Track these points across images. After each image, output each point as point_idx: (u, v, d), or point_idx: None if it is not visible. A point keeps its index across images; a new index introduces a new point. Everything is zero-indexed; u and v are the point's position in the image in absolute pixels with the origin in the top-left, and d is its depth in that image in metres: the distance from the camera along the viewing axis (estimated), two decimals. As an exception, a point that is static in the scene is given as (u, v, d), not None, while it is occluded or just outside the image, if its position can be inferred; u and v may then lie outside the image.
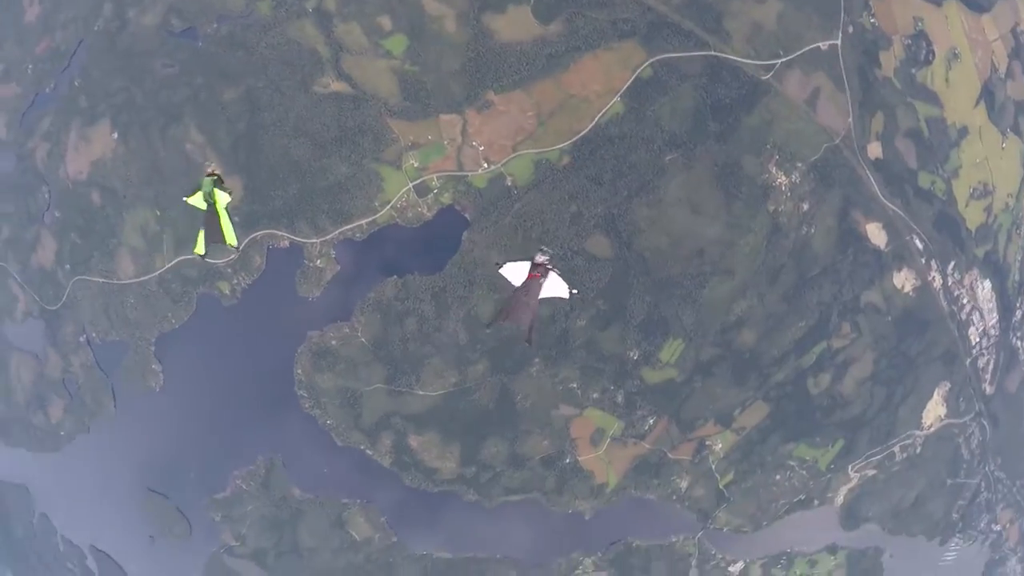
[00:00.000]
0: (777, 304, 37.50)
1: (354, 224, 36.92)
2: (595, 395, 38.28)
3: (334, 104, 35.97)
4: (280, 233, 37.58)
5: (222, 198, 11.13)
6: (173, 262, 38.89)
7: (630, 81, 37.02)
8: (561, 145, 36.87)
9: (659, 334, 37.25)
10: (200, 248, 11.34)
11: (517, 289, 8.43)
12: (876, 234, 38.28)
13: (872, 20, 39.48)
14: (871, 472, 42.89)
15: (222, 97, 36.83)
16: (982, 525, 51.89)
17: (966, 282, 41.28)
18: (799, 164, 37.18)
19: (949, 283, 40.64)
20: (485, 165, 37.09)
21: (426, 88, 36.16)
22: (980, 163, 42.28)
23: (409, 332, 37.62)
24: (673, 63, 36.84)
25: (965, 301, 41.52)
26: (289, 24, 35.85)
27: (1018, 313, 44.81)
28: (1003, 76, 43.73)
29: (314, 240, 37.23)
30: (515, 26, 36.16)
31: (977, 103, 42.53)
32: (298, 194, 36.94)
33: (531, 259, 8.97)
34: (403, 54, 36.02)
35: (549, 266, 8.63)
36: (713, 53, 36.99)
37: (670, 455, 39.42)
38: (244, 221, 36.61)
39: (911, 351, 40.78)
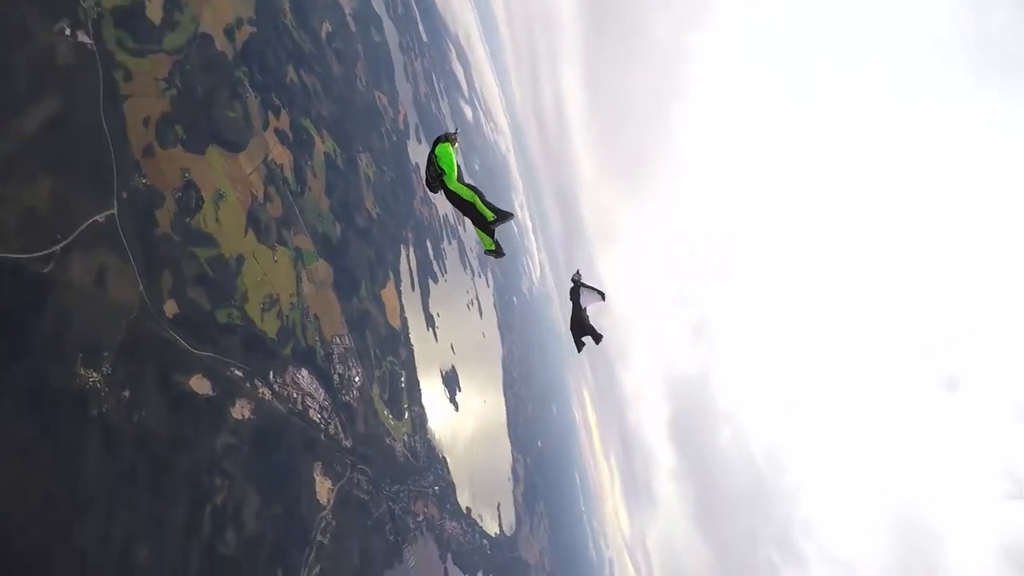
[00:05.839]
0: (148, 503, 32.39)
1: None
2: None
3: None
4: None
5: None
6: None
7: None
8: None
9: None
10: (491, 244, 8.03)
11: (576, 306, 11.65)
12: (200, 385, 39.29)
13: (144, 181, 38.39)
14: (316, 569, 46.43)
15: None
16: (412, 520, 67.63)
17: (288, 380, 49.65)
18: (106, 353, 32.33)
19: (276, 389, 47.59)
20: None
21: None
22: (261, 280, 50.68)
23: None
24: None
25: (295, 395, 50.05)
26: None
27: (335, 376, 58.65)
28: (263, 202, 53.33)
29: None
30: None
31: (246, 232, 50.12)
32: None
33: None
34: None
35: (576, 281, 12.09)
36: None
37: None
38: None
39: (280, 461, 45.56)
